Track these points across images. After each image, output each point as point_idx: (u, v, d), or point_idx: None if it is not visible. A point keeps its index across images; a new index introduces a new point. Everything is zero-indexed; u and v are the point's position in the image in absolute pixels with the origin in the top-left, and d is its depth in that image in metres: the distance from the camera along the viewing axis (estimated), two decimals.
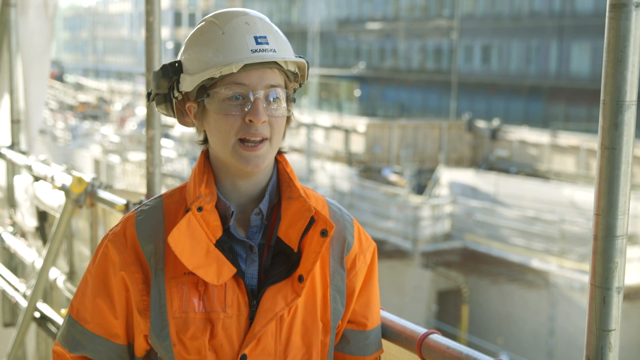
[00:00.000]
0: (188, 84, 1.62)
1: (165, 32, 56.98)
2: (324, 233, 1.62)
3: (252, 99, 1.58)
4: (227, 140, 1.59)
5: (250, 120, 1.57)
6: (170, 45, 49.95)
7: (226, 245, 1.62)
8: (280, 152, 1.71)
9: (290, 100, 1.65)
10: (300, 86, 1.70)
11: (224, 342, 1.61)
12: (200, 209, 1.60)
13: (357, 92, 43.86)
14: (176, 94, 1.66)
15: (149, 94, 1.72)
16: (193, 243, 1.58)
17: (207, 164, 1.68)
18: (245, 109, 1.58)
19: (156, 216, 1.69)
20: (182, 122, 1.70)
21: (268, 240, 1.67)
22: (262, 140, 1.60)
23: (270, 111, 1.60)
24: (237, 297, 1.61)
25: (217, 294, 1.61)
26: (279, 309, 1.61)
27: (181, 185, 1.75)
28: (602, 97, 1.38)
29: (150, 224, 1.67)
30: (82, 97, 45.21)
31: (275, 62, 1.60)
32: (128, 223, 1.69)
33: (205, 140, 1.69)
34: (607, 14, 1.37)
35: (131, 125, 32.97)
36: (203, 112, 1.63)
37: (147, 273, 1.65)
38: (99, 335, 1.69)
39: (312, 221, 1.63)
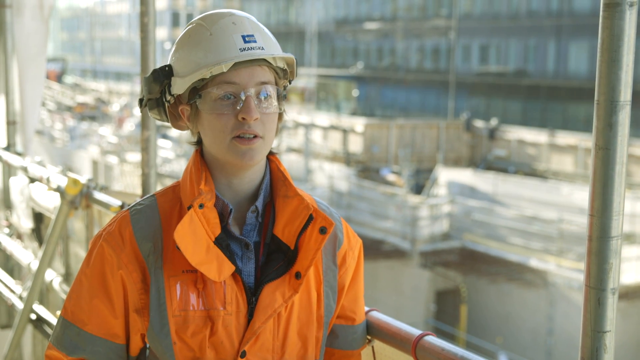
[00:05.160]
0: (179, 86, 1.63)
1: (163, 32, 57.00)
2: (323, 230, 1.64)
3: (243, 97, 1.60)
4: (222, 139, 1.61)
5: (243, 118, 1.59)
6: (168, 46, 49.89)
7: (224, 243, 1.63)
8: (272, 153, 1.73)
9: (281, 97, 1.66)
10: (289, 83, 1.71)
11: (224, 339, 1.62)
12: (201, 206, 1.61)
13: (355, 92, 43.84)
14: (168, 97, 1.67)
15: (141, 100, 1.72)
16: (195, 240, 1.59)
17: (202, 162, 1.68)
18: (238, 107, 1.60)
19: (152, 215, 1.69)
20: (176, 125, 1.71)
21: (263, 238, 1.68)
22: (255, 137, 1.61)
23: (262, 108, 1.61)
24: (236, 294, 1.63)
25: (217, 291, 1.62)
26: (278, 306, 1.63)
27: (173, 185, 1.75)
28: (596, 97, 1.38)
29: (146, 223, 1.67)
30: (80, 98, 45.10)
31: (264, 60, 1.62)
32: (123, 222, 1.68)
33: (199, 142, 1.70)
34: (601, 13, 1.36)
35: (129, 126, 32.89)
36: (196, 113, 1.64)
37: (145, 272, 1.65)
38: (98, 337, 1.68)
39: (309, 219, 1.65)
